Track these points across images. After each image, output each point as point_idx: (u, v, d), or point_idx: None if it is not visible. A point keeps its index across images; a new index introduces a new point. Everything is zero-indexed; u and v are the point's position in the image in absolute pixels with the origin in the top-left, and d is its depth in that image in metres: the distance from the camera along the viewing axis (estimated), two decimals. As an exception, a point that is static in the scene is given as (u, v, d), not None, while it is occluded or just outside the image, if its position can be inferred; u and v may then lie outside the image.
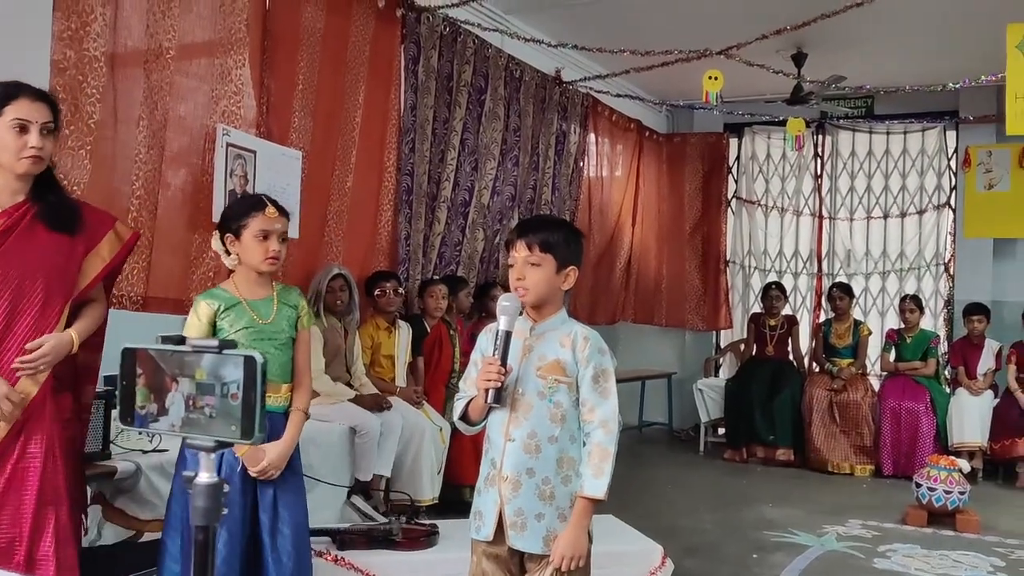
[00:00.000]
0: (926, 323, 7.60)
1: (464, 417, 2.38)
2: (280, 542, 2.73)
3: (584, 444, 2.28)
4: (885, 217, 8.48)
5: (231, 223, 2.80)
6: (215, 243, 2.86)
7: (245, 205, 2.84)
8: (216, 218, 3.65)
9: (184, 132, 3.97)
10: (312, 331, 4.46)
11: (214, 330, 2.73)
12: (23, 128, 2.50)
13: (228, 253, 2.82)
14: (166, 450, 3.33)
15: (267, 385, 1.44)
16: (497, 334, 2.26)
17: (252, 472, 2.70)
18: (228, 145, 4.09)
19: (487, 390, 2.24)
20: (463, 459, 4.95)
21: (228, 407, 1.44)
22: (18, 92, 2.53)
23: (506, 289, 2.52)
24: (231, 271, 2.86)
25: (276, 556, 2.72)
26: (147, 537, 3.26)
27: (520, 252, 2.32)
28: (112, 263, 2.75)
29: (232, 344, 1.47)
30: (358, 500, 4.32)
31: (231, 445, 1.51)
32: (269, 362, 2.13)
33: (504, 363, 2.24)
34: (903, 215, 8.41)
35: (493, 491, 2.30)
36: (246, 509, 2.72)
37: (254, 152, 4.24)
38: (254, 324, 2.76)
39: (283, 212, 2.83)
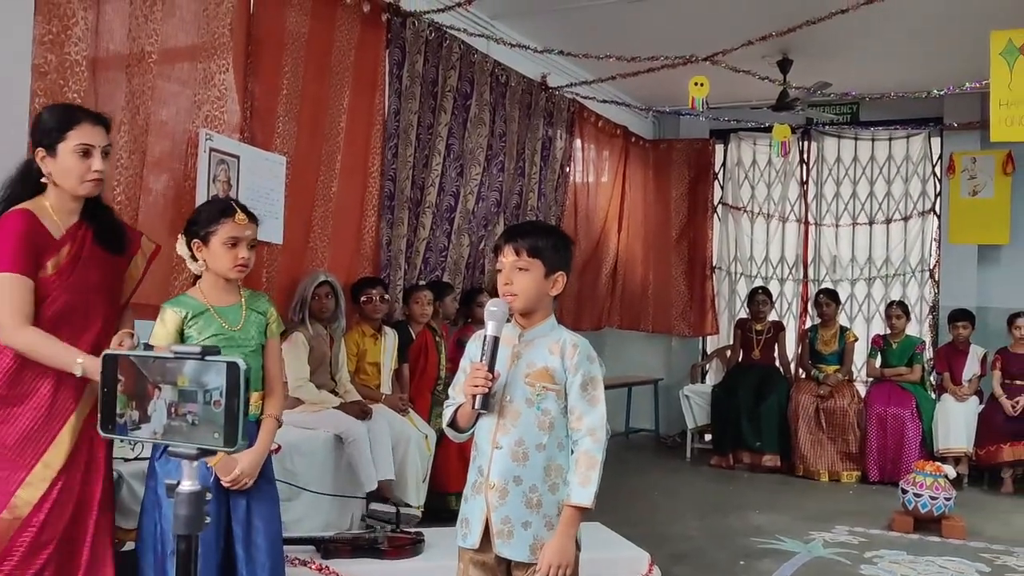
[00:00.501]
0: (911, 329, 7.62)
1: (453, 424, 2.36)
2: (255, 553, 2.68)
3: (572, 452, 2.26)
4: (870, 223, 8.51)
5: (199, 229, 2.73)
6: (180, 248, 2.79)
7: (214, 211, 2.76)
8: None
9: (166, 137, 3.94)
10: (297, 338, 4.49)
11: (182, 338, 2.67)
12: (86, 152, 2.59)
13: (194, 259, 2.76)
14: (148, 458, 3.28)
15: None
16: (484, 339, 2.24)
17: (225, 482, 2.63)
18: (211, 150, 4.05)
19: (475, 396, 2.21)
20: (449, 467, 4.93)
21: (211, 414, 1.41)
22: (80, 117, 2.63)
23: (493, 295, 2.50)
24: (197, 277, 2.81)
25: (251, 568, 2.67)
26: (129, 546, 3.21)
27: (508, 257, 2.30)
28: (142, 278, 2.89)
29: (215, 350, 1.44)
30: (379, 505, 4.31)
31: (214, 452, 1.48)
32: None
33: (491, 369, 2.22)
34: (888, 221, 8.44)
35: (480, 499, 2.27)
36: (220, 520, 2.65)
37: (237, 157, 4.21)
38: (223, 331, 2.70)
39: (252, 218, 2.77)
